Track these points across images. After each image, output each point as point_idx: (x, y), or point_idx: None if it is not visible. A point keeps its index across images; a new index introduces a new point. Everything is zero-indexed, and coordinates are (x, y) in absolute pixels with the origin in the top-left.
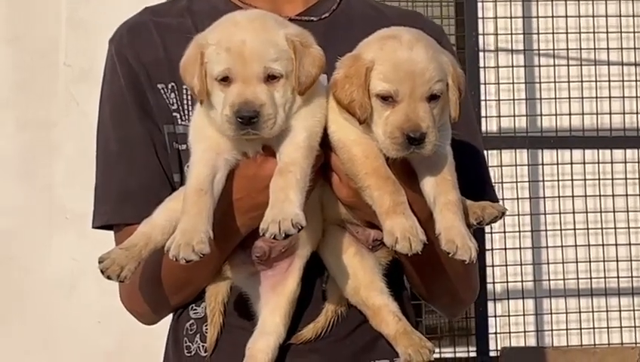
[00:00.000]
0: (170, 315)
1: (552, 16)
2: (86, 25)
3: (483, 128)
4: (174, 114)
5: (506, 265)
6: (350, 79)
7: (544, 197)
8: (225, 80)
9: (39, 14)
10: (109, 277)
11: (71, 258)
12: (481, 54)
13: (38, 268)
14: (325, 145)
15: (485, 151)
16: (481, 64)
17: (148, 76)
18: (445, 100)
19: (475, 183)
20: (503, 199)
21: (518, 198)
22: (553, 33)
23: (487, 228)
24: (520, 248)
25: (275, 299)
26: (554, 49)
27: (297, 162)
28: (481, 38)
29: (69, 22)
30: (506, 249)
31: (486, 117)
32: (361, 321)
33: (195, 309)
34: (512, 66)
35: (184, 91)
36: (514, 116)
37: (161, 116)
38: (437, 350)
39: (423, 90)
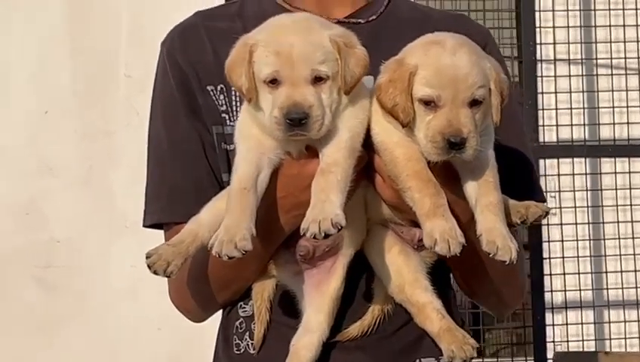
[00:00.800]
0: (220, 314)
1: (610, 26)
2: (146, 36)
3: (541, 138)
4: (223, 115)
5: (564, 274)
6: (394, 83)
7: (602, 206)
8: (273, 82)
9: (100, 27)
10: (155, 272)
11: (131, 265)
12: (539, 64)
13: (99, 275)
14: (369, 146)
15: (543, 161)
16: (539, 73)
17: (198, 78)
18: (488, 105)
19: (522, 185)
20: (561, 208)
21: (576, 207)
22: (610, 42)
23: (545, 237)
24: (577, 257)
25: (318, 297)
26: (611, 58)
27: (339, 163)
28: (539, 47)
29: (129, 33)
30: (563, 257)
31: (543, 126)
32: (406, 320)
33: (244, 308)
34: (570, 75)
35: (233, 93)
36: (571, 125)
37: (210, 117)
38: (496, 360)
39: (465, 95)
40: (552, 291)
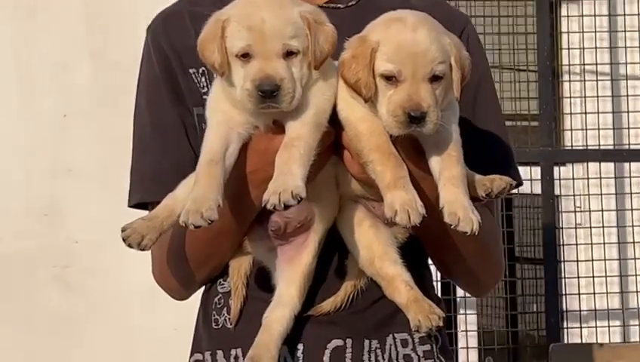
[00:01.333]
0: (201, 291)
1: None
2: None
3: (567, 142)
4: (204, 97)
5: (593, 277)
6: (356, 59)
7: (632, 210)
8: (245, 56)
9: (118, 31)
10: (130, 246)
11: (147, 267)
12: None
13: (117, 276)
14: (337, 123)
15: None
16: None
17: (180, 61)
18: (449, 81)
19: (496, 162)
20: (589, 211)
21: (602, 210)
22: None
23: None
24: (605, 260)
25: (290, 271)
26: None
27: (302, 137)
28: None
29: None
30: (593, 261)
31: (571, 130)
32: (379, 296)
33: (223, 284)
34: (597, 79)
35: (214, 75)
36: (598, 129)
37: (192, 99)
38: None
39: (425, 70)
40: (579, 294)
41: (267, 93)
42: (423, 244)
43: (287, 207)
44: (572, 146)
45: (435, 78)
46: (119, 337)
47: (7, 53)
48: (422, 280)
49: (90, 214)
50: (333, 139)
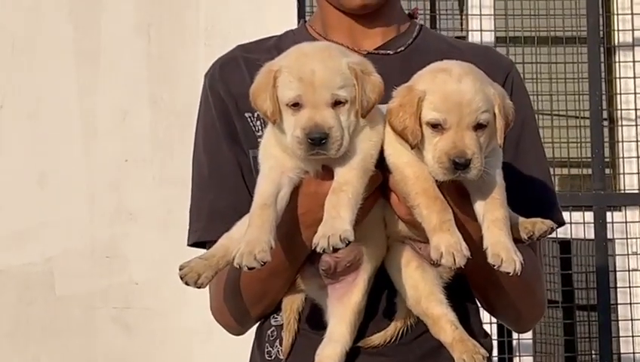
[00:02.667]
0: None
1: None
2: None
3: (621, 185)
4: (259, 140)
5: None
6: (404, 108)
7: None
8: (295, 105)
9: (178, 77)
10: (187, 283)
11: (206, 307)
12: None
13: (177, 318)
14: (385, 167)
15: (625, 208)
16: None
17: (236, 106)
18: (492, 129)
19: (539, 204)
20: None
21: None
22: None
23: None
24: None
25: (341, 309)
26: None
27: (351, 182)
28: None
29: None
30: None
31: (623, 174)
32: (427, 329)
33: (276, 317)
34: None
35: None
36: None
37: (248, 141)
38: None
39: (469, 119)
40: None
41: (316, 140)
42: (470, 282)
43: (335, 249)
44: (625, 190)
45: (479, 127)
46: None
47: (71, 100)
48: (467, 314)
49: (150, 256)
50: (380, 183)
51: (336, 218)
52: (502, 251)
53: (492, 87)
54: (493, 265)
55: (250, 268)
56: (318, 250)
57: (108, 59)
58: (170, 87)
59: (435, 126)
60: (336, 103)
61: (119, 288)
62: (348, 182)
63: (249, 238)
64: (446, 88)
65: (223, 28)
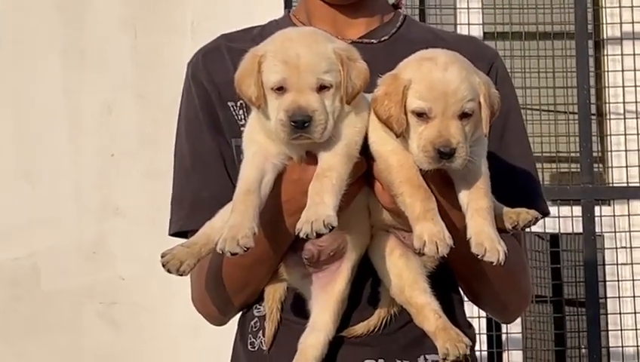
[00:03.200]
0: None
1: None
2: None
3: (609, 179)
4: (242, 129)
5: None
6: (389, 96)
7: None
8: (280, 89)
9: (164, 72)
10: (169, 271)
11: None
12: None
13: (164, 314)
14: (370, 155)
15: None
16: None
17: (219, 95)
18: (478, 118)
19: (524, 194)
20: (630, 248)
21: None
22: None
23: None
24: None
25: (324, 298)
26: None
27: (334, 168)
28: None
29: None
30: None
31: (612, 167)
32: (410, 319)
33: (259, 308)
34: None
35: (251, 108)
36: None
37: (230, 131)
38: None
39: (454, 108)
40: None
41: (299, 123)
42: (454, 272)
43: (319, 235)
44: (612, 183)
45: (464, 115)
46: None
47: (57, 95)
48: (452, 304)
49: (137, 251)
50: (365, 171)
51: (320, 204)
52: (485, 240)
53: (477, 75)
54: (477, 255)
55: (233, 254)
56: (301, 235)
57: (94, 54)
58: (157, 81)
59: (421, 115)
60: (321, 88)
61: (106, 283)
62: (332, 168)
63: (232, 224)
64: (432, 77)
65: (209, 23)
